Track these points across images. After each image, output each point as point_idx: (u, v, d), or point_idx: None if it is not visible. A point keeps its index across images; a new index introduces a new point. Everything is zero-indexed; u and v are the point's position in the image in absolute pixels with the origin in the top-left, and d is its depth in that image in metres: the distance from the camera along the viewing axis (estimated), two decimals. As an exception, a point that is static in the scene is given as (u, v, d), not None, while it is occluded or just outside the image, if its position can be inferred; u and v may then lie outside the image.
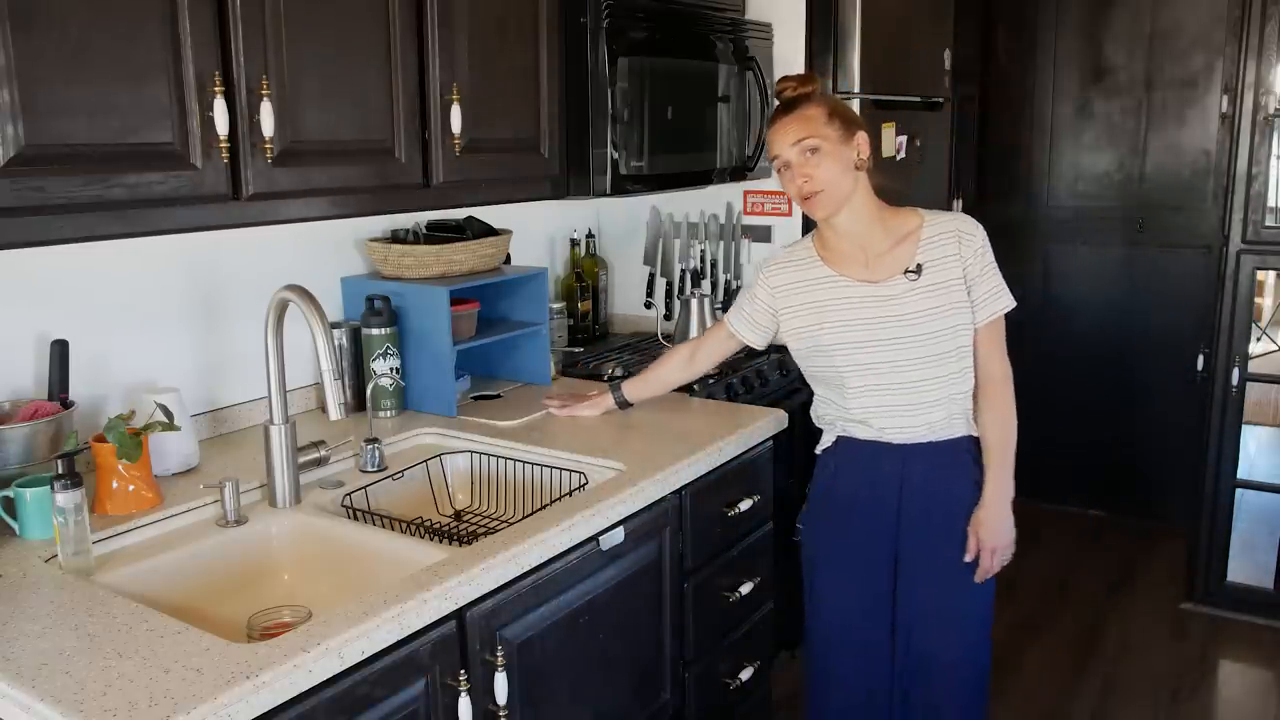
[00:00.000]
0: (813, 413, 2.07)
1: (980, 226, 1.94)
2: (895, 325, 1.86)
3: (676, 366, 2.20)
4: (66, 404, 1.73)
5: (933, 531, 1.94)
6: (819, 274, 1.93)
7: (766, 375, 2.72)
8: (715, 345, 2.16)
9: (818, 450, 2.06)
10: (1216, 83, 3.91)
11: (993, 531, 1.92)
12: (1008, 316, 1.95)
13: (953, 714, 2.02)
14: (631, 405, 2.23)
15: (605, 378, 2.36)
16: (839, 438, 2.00)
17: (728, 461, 2.09)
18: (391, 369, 2.24)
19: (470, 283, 2.31)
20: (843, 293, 1.90)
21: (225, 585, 1.63)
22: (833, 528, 2.02)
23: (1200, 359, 3.48)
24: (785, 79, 1.89)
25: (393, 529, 1.77)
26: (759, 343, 2.07)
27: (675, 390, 2.45)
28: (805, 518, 2.09)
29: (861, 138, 1.85)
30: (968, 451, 1.95)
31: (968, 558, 1.94)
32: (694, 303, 2.70)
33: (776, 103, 1.90)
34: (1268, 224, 3.15)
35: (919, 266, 1.87)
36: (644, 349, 2.85)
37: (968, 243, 1.89)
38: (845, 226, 1.89)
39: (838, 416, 1.98)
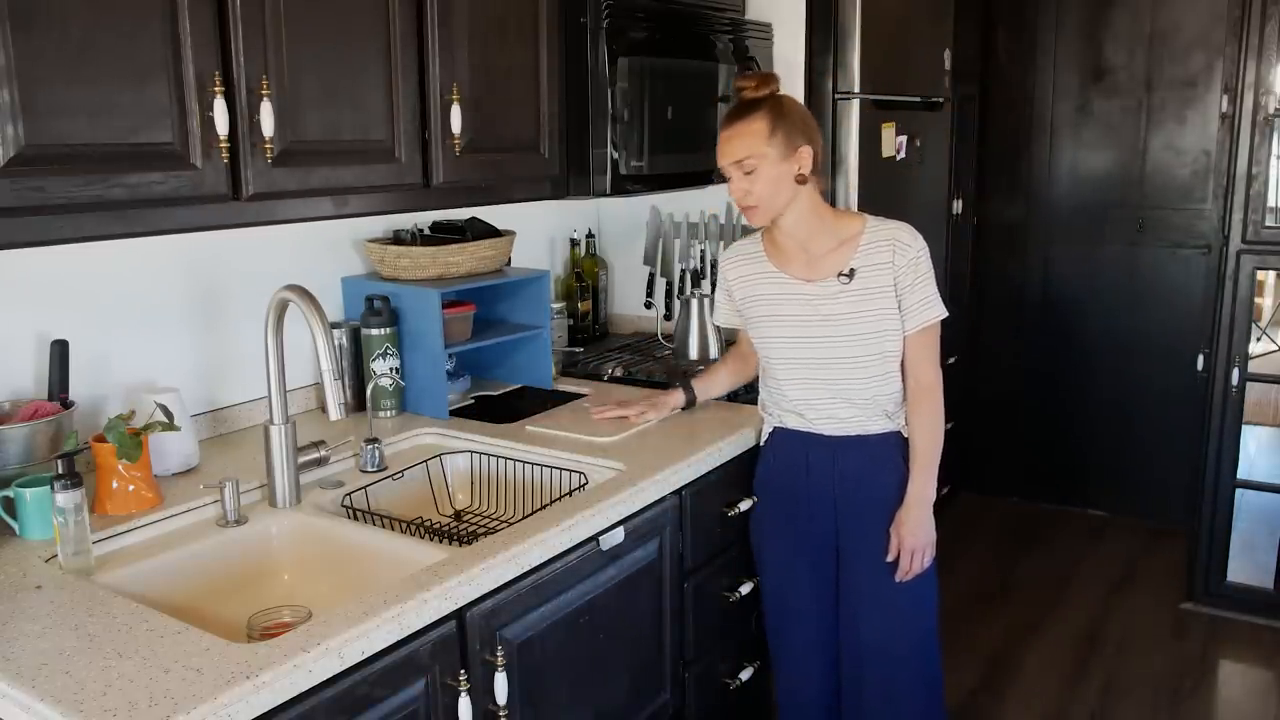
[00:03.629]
0: (759, 401, 2.16)
1: (919, 237, 1.96)
2: (824, 324, 1.94)
3: (737, 366, 2.25)
4: (66, 404, 1.73)
5: (868, 520, 2.01)
6: (765, 269, 2.02)
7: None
8: (746, 343, 2.18)
9: (760, 442, 2.14)
10: (1216, 83, 3.91)
11: (912, 532, 1.97)
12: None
13: (904, 704, 2.08)
14: (695, 404, 2.24)
15: (678, 382, 2.28)
16: (775, 428, 2.09)
17: (728, 461, 2.09)
18: (391, 369, 2.24)
19: (467, 285, 2.31)
20: (783, 289, 1.98)
21: (225, 585, 1.63)
22: (775, 517, 2.11)
23: (1200, 359, 3.48)
24: (745, 77, 1.90)
25: (393, 529, 1.77)
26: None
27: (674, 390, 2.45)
28: (754, 509, 2.17)
29: (804, 152, 1.87)
30: (896, 446, 2.00)
31: (889, 558, 2.00)
32: (694, 303, 2.69)
33: (737, 99, 1.92)
34: (1268, 224, 3.15)
35: (852, 271, 1.93)
36: (644, 349, 2.86)
37: (902, 252, 1.92)
38: (788, 229, 1.96)
39: (776, 405, 2.07)
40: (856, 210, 2.00)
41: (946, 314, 1.96)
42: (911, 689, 2.07)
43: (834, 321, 1.93)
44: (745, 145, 1.86)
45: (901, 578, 2.00)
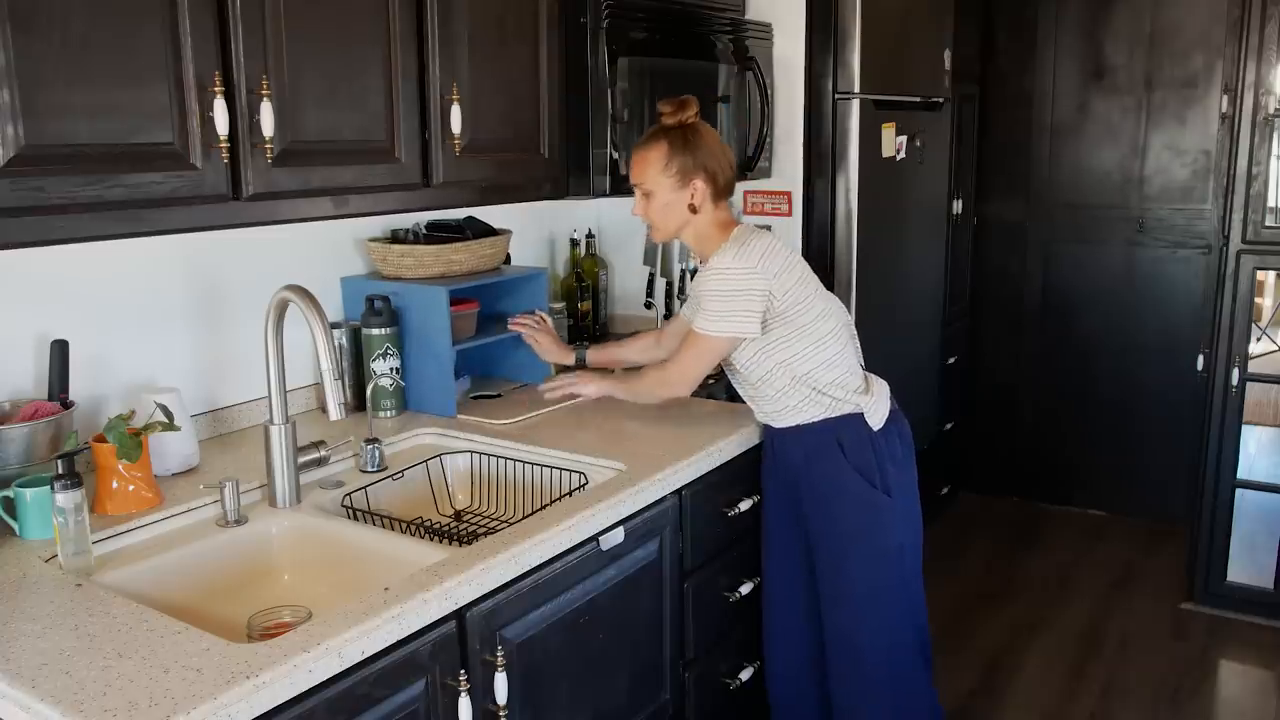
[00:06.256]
0: None
1: (724, 255, 1.97)
2: None
3: (642, 348, 2.37)
4: (66, 404, 1.73)
5: (821, 511, 2.07)
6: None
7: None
8: (674, 332, 2.30)
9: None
10: (1216, 83, 3.91)
11: (585, 376, 2.21)
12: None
13: (869, 691, 2.12)
14: (585, 365, 2.36)
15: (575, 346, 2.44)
16: None
17: (727, 461, 2.09)
18: (391, 369, 2.24)
19: (470, 283, 2.31)
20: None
21: (225, 585, 1.63)
22: (764, 505, 2.21)
23: (1200, 359, 3.48)
24: (666, 102, 2.02)
25: (393, 529, 1.78)
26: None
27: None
28: None
29: (697, 185, 1.99)
30: (832, 431, 2.04)
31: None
32: (694, 303, 2.70)
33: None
34: (1268, 224, 3.15)
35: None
36: (644, 349, 2.85)
37: (708, 262, 2.00)
38: (691, 247, 2.10)
39: None
40: (747, 229, 2.06)
41: (722, 334, 1.98)
42: (879, 684, 2.11)
43: None
44: (640, 171, 2.01)
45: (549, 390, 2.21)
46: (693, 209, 2.00)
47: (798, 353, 1.99)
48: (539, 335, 2.35)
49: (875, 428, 2.05)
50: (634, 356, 2.37)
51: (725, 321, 1.97)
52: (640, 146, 2.02)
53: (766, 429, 2.14)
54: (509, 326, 2.36)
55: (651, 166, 1.99)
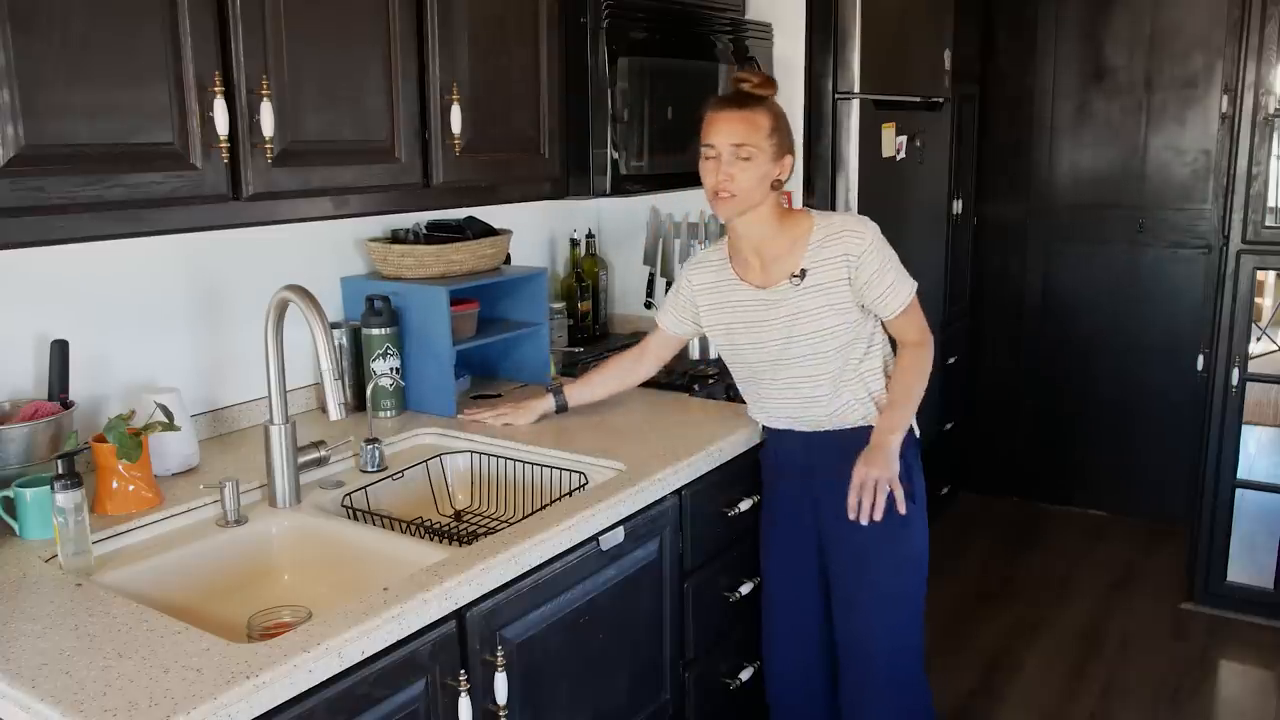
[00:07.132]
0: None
1: (868, 223, 1.96)
2: (777, 327, 1.97)
3: (619, 372, 2.26)
4: (66, 404, 1.73)
5: (843, 517, 2.00)
6: (726, 276, 2.04)
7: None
8: (657, 347, 2.24)
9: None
10: (1216, 83, 3.91)
11: (868, 460, 1.93)
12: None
13: (878, 703, 2.10)
14: (568, 409, 2.23)
15: (547, 386, 2.31)
16: (762, 424, 2.14)
17: (727, 461, 2.09)
18: (391, 369, 2.24)
19: (470, 283, 2.31)
20: (740, 296, 2.02)
21: (225, 585, 1.63)
22: (768, 507, 2.16)
23: (1200, 359, 3.48)
24: (749, 72, 1.94)
25: (393, 529, 1.78)
26: (688, 334, 2.20)
27: (674, 390, 2.45)
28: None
29: (788, 162, 1.93)
30: (864, 437, 2.00)
31: (850, 498, 1.93)
32: (694, 303, 2.69)
33: (736, 89, 1.93)
34: (1268, 224, 3.15)
35: (803, 271, 1.94)
36: (644, 349, 2.85)
37: (855, 243, 1.92)
38: (744, 231, 1.97)
39: (750, 403, 2.14)
40: (811, 209, 2.02)
41: (916, 284, 1.99)
42: (885, 688, 2.09)
43: (786, 323, 1.95)
44: (747, 133, 1.86)
45: (854, 515, 1.92)
46: (777, 184, 1.92)
47: (878, 347, 2.00)
48: (506, 415, 2.17)
49: (916, 434, 2.04)
50: (607, 390, 2.25)
51: (908, 277, 1.97)
52: (737, 107, 1.88)
53: (780, 434, 2.09)
54: (470, 414, 2.21)
55: (759, 130, 1.86)
